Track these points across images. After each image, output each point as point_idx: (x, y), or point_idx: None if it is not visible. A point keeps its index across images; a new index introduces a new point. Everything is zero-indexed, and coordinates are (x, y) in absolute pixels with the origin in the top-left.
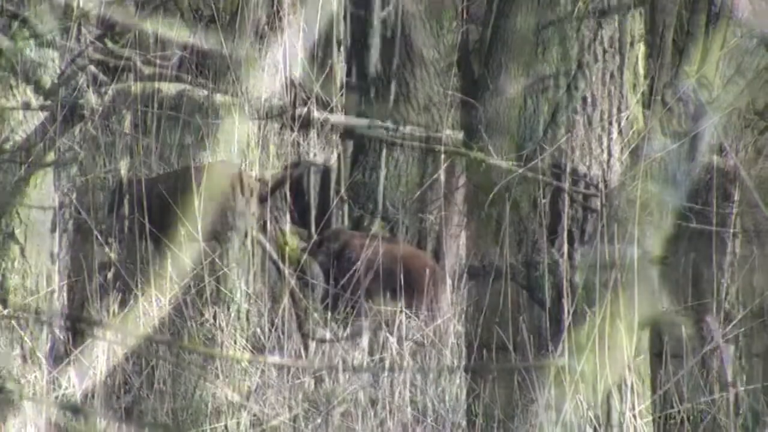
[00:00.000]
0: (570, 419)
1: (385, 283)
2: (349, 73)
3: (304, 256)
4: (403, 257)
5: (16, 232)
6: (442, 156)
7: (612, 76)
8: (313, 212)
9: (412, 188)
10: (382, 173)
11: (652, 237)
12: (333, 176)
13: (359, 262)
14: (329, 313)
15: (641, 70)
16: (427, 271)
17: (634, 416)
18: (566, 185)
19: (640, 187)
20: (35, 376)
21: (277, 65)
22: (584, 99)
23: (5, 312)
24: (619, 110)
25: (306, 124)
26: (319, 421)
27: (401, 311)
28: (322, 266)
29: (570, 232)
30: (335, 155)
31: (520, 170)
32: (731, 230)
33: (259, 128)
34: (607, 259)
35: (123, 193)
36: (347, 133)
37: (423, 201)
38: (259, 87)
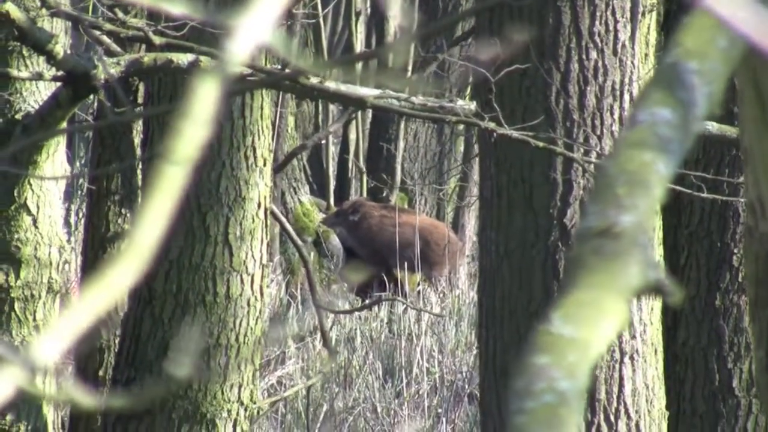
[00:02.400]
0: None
1: (404, 254)
2: (368, 44)
3: (322, 227)
4: (422, 228)
5: (29, 202)
6: (461, 127)
7: (623, 46)
8: (332, 184)
9: (432, 160)
10: (401, 145)
11: (644, 206)
12: (351, 147)
13: (377, 233)
14: (346, 285)
15: (653, 40)
16: (446, 242)
17: (646, 384)
18: (578, 155)
19: (631, 156)
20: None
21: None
22: (595, 69)
23: (18, 283)
24: (631, 80)
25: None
26: (336, 390)
27: (419, 283)
28: (340, 237)
29: (582, 202)
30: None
31: (532, 141)
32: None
33: (276, 102)
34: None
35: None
36: (359, 103)
37: (441, 172)
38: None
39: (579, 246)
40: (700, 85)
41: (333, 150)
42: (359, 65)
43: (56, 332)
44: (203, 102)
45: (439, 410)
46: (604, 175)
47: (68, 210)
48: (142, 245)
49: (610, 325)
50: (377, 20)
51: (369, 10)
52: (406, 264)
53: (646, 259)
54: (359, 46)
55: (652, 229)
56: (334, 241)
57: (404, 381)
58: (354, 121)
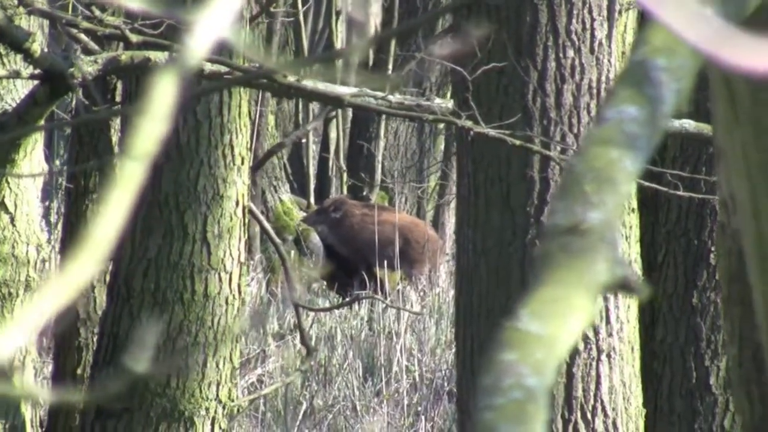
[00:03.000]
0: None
1: (384, 252)
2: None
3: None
4: (402, 226)
5: (6, 200)
6: (441, 126)
7: (601, 44)
8: (312, 182)
9: (411, 158)
10: (381, 143)
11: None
12: (332, 146)
13: (358, 231)
14: (324, 283)
15: (630, 39)
16: (426, 240)
17: (623, 382)
18: (555, 154)
19: (598, 153)
20: (25, 347)
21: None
22: (573, 67)
23: None
24: (608, 79)
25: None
26: (316, 388)
27: (399, 281)
28: (321, 235)
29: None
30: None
31: (508, 139)
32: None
33: (257, 101)
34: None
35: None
36: (336, 101)
37: (421, 171)
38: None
39: (546, 243)
40: (668, 81)
41: (313, 149)
42: (339, 64)
43: (16, 326)
44: (161, 98)
45: (419, 408)
46: (571, 173)
47: (48, 208)
48: (100, 240)
49: (577, 321)
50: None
51: (350, 9)
52: (386, 262)
53: (613, 255)
54: (340, 44)
55: (630, 227)
56: (315, 239)
57: (384, 379)
58: (334, 120)
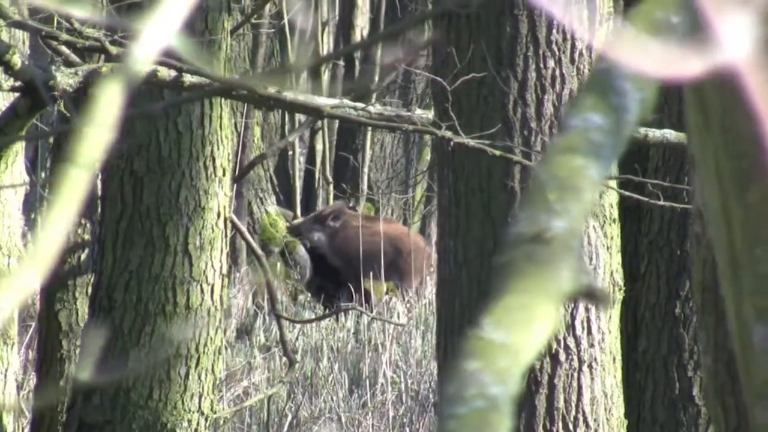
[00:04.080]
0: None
1: (378, 264)
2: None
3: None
4: (396, 238)
5: None
6: (430, 137)
7: (581, 54)
8: (299, 194)
9: (397, 169)
10: (367, 154)
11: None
12: (318, 158)
13: (355, 242)
14: (309, 294)
15: None
16: (417, 251)
17: (605, 393)
18: (535, 164)
19: (562, 161)
20: (7, 359)
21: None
22: (553, 77)
23: None
24: None
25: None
26: (301, 399)
27: (387, 292)
28: (315, 243)
29: None
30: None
31: (489, 149)
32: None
33: (242, 113)
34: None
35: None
36: (316, 112)
37: (407, 181)
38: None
39: (510, 251)
40: (632, 90)
41: (299, 161)
42: (324, 75)
43: None
44: (107, 106)
45: (404, 420)
46: (535, 181)
47: (32, 220)
48: (45, 248)
49: (541, 329)
50: (344, 30)
51: (337, 19)
52: (382, 273)
53: (577, 264)
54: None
55: (612, 237)
56: (301, 251)
57: (369, 391)
58: (320, 132)
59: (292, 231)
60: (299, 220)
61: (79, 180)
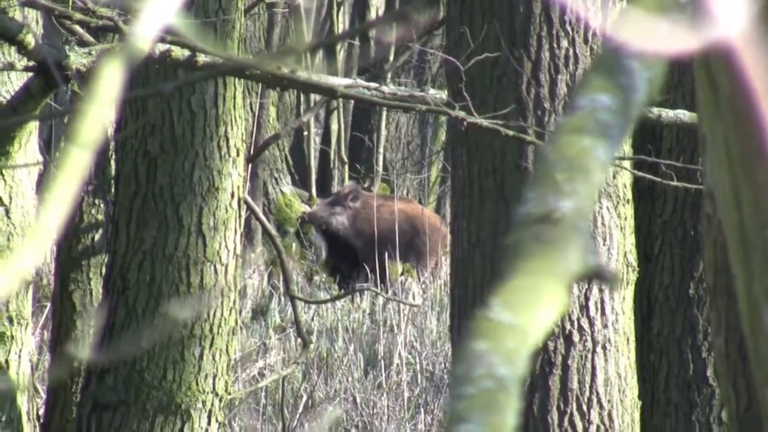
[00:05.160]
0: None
1: (394, 243)
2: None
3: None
4: (412, 216)
5: (1, 192)
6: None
7: (595, 34)
8: (314, 174)
9: (412, 149)
10: (383, 135)
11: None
12: (333, 138)
13: (376, 221)
14: (324, 275)
15: None
16: (433, 231)
17: (618, 374)
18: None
19: (570, 141)
20: (21, 340)
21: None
22: (567, 57)
23: None
24: None
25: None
26: (316, 379)
27: (403, 272)
28: (336, 226)
29: None
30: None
31: (502, 129)
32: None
33: (257, 93)
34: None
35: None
36: (330, 92)
37: (423, 161)
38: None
39: (518, 232)
40: (640, 70)
41: (314, 140)
42: (340, 55)
43: None
44: (108, 83)
45: (419, 401)
46: (543, 161)
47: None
48: (46, 226)
49: (549, 310)
50: (360, 9)
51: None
52: (397, 253)
53: (585, 244)
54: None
55: (625, 218)
56: (316, 231)
57: (384, 372)
58: (335, 112)
59: (310, 219)
60: (315, 207)
61: (80, 158)
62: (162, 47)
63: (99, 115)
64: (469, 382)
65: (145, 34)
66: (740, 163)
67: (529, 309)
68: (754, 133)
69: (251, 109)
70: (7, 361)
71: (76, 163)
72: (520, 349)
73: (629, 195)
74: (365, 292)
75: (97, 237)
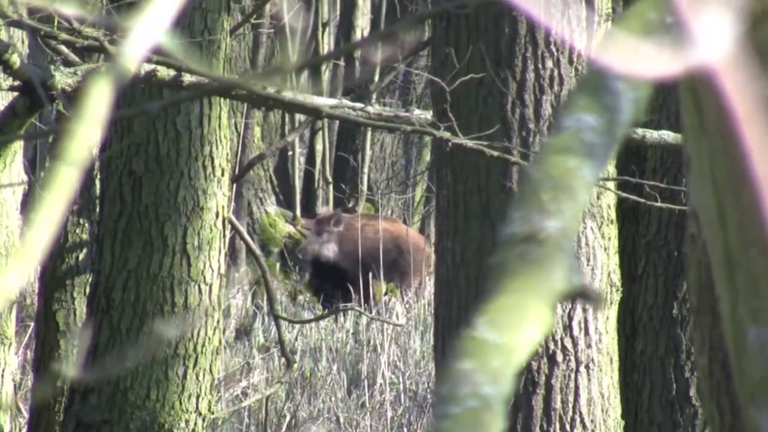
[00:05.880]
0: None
1: (384, 264)
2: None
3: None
4: (397, 236)
5: None
6: (430, 138)
7: (579, 55)
8: (299, 194)
9: (397, 170)
10: (367, 155)
11: (569, 211)
12: (318, 158)
13: (361, 242)
14: (309, 295)
15: None
16: (417, 251)
17: (602, 394)
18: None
19: (556, 161)
20: (4, 359)
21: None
22: (551, 78)
23: None
24: None
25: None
26: (300, 399)
27: (387, 292)
28: (326, 252)
29: None
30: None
31: (486, 150)
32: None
33: (242, 113)
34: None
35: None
36: (315, 112)
37: (407, 182)
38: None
39: (504, 251)
40: (626, 90)
41: (299, 161)
42: (325, 76)
43: None
44: (96, 102)
45: (402, 420)
46: (528, 181)
47: (30, 220)
48: (34, 245)
49: (534, 330)
50: (345, 29)
51: (337, 19)
52: (381, 273)
53: (570, 264)
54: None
55: (609, 238)
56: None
57: (368, 391)
58: (320, 132)
59: (303, 255)
60: (303, 241)
61: (68, 178)
62: (147, 67)
63: (88, 135)
64: (455, 402)
65: (131, 54)
66: (726, 184)
67: (515, 328)
68: (740, 155)
69: (236, 129)
70: None
71: (64, 183)
72: (506, 368)
73: (613, 215)
74: (349, 311)
75: (81, 256)
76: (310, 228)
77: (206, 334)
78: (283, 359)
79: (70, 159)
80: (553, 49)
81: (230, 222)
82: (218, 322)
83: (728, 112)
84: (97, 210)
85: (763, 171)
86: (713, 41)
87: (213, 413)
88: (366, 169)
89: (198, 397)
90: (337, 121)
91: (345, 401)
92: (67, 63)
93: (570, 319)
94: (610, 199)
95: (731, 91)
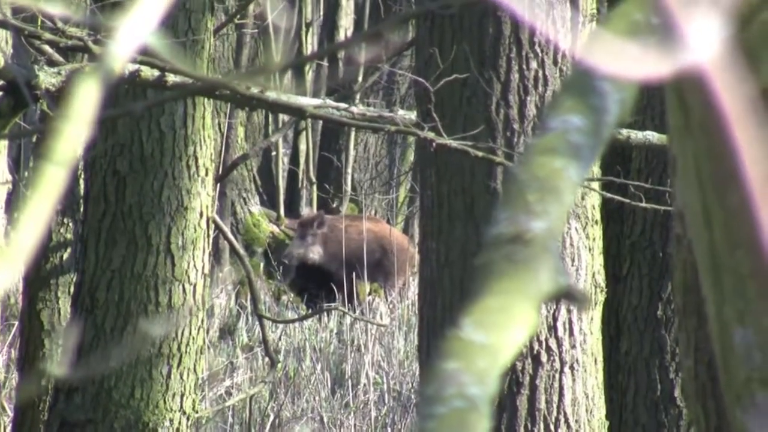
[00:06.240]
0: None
1: (370, 263)
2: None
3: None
4: (381, 236)
5: None
6: (411, 138)
7: (564, 55)
8: (282, 194)
9: (380, 170)
10: (351, 155)
11: (555, 212)
12: (301, 158)
13: (345, 243)
14: (292, 295)
15: None
16: (401, 251)
17: (586, 394)
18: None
19: (542, 162)
20: None
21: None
22: (536, 79)
23: None
24: None
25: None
26: (284, 398)
27: (370, 292)
28: (311, 254)
29: None
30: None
31: (471, 150)
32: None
33: (226, 113)
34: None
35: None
36: (299, 112)
37: (391, 182)
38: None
39: (490, 252)
40: (612, 91)
41: (283, 161)
42: (308, 76)
43: None
44: (84, 102)
45: (386, 420)
46: (515, 182)
47: (15, 219)
48: (20, 246)
49: (520, 330)
50: (329, 29)
51: (321, 19)
52: (365, 273)
53: (556, 265)
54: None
55: (594, 239)
56: (287, 251)
57: (352, 391)
58: (304, 132)
59: (290, 260)
60: (288, 246)
61: (55, 177)
62: (131, 67)
63: (75, 135)
64: (440, 402)
65: (116, 54)
66: (711, 185)
67: (501, 329)
68: (726, 155)
69: (220, 129)
70: None
71: (51, 182)
72: (491, 368)
73: (598, 216)
74: (333, 311)
75: (65, 256)
76: (293, 228)
77: (190, 333)
78: (266, 359)
79: (57, 159)
80: (538, 50)
81: (214, 222)
82: (202, 321)
83: (715, 112)
84: (81, 209)
85: (753, 172)
86: (702, 43)
87: (197, 412)
88: (350, 170)
89: (182, 396)
90: (321, 122)
91: (329, 401)
92: (51, 63)
93: (555, 319)
94: (594, 200)
95: (720, 92)
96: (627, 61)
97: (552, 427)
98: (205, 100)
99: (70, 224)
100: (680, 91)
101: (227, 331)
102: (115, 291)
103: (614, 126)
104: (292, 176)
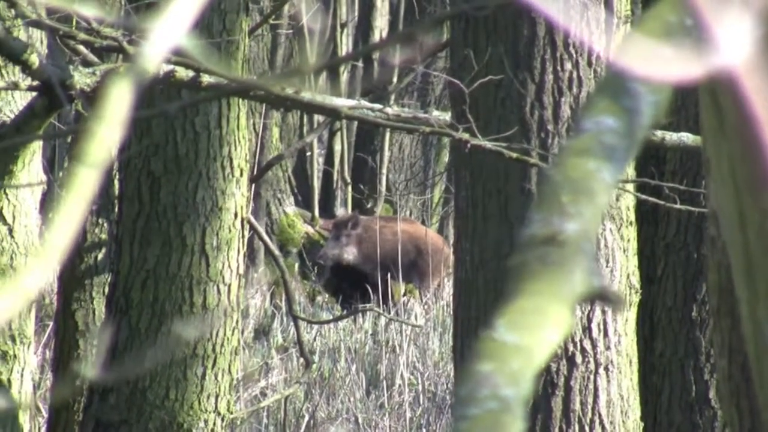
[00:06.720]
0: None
1: (403, 265)
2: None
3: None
4: (416, 237)
5: (4, 212)
6: (445, 139)
7: (598, 57)
8: (317, 195)
9: (415, 171)
10: (386, 155)
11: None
12: (336, 159)
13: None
14: (327, 295)
15: None
16: (435, 252)
17: (621, 395)
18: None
19: (576, 164)
20: (24, 359)
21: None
22: (570, 80)
23: None
24: None
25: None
26: (318, 399)
27: (405, 293)
28: (346, 255)
29: None
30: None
31: (505, 152)
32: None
33: (261, 114)
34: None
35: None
36: (334, 113)
37: (425, 183)
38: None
39: (523, 253)
40: (645, 93)
41: (318, 161)
42: (343, 76)
43: None
44: (118, 103)
45: (421, 421)
46: (548, 183)
47: (49, 220)
48: (53, 246)
49: (554, 332)
50: (363, 30)
51: (356, 20)
52: (400, 274)
53: (590, 266)
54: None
55: (628, 240)
56: (321, 251)
57: (387, 392)
58: (339, 133)
59: (324, 260)
60: (323, 246)
61: (88, 179)
62: (166, 68)
63: (108, 136)
64: (474, 403)
65: (150, 55)
66: (746, 187)
67: (534, 330)
68: (760, 157)
69: (254, 129)
70: (9, 380)
71: (84, 184)
72: (525, 370)
73: (632, 217)
74: (368, 312)
75: (100, 256)
76: (328, 229)
77: (225, 334)
78: (301, 359)
79: (90, 160)
80: (572, 51)
81: (249, 222)
82: (237, 322)
83: (748, 114)
84: (116, 210)
85: None
86: (734, 44)
87: (232, 413)
88: (384, 170)
89: (217, 397)
90: (356, 122)
91: (364, 402)
92: (86, 63)
93: (589, 320)
94: (629, 201)
95: (752, 94)
96: (661, 63)
97: (587, 428)
98: (240, 100)
99: (105, 225)
100: (714, 92)
101: (262, 332)
102: (150, 291)
103: (648, 127)
104: (327, 177)
